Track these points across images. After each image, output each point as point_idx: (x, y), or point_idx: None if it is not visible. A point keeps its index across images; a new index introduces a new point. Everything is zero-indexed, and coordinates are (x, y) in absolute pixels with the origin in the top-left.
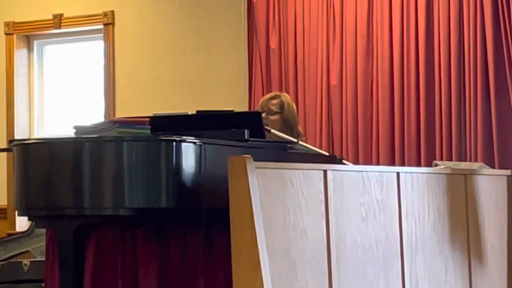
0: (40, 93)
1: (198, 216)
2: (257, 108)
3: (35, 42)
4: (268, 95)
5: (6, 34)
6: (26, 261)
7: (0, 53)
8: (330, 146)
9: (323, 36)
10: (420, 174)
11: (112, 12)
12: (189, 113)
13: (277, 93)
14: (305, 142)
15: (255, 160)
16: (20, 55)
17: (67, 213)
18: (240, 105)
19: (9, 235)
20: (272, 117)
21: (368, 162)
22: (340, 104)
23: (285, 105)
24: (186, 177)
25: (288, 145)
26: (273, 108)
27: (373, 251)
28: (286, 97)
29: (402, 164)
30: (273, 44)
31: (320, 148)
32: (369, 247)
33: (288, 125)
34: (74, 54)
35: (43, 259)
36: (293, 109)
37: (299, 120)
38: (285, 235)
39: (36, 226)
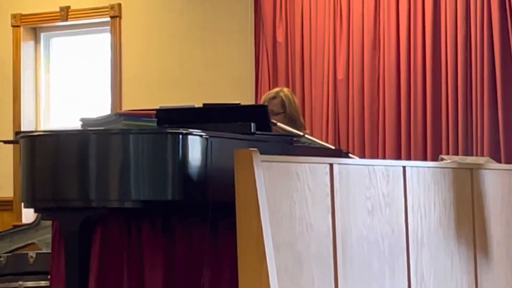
0: (47, 86)
1: (204, 209)
2: None
3: (42, 34)
4: (267, 96)
5: (13, 26)
6: (32, 253)
7: (7, 45)
8: (336, 140)
9: (330, 30)
10: (426, 169)
11: (119, 4)
12: (196, 106)
13: (276, 89)
14: (311, 135)
15: (261, 153)
16: (27, 47)
17: (73, 205)
18: (246, 99)
19: (15, 227)
20: (276, 117)
21: (374, 156)
22: (346, 98)
23: (286, 102)
24: (192, 170)
25: (294, 139)
26: (275, 109)
27: (378, 245)
28: (284, 92)
29: (408, 158)
30: (280, 38)
31: (326, 141)
32: (375, 241)
33: (293, 120)
34: (80, 47)
35: (49, 251)
36: (294, 102)
37: (304, 113)
38: (291, 228)
39: (42, 218)
